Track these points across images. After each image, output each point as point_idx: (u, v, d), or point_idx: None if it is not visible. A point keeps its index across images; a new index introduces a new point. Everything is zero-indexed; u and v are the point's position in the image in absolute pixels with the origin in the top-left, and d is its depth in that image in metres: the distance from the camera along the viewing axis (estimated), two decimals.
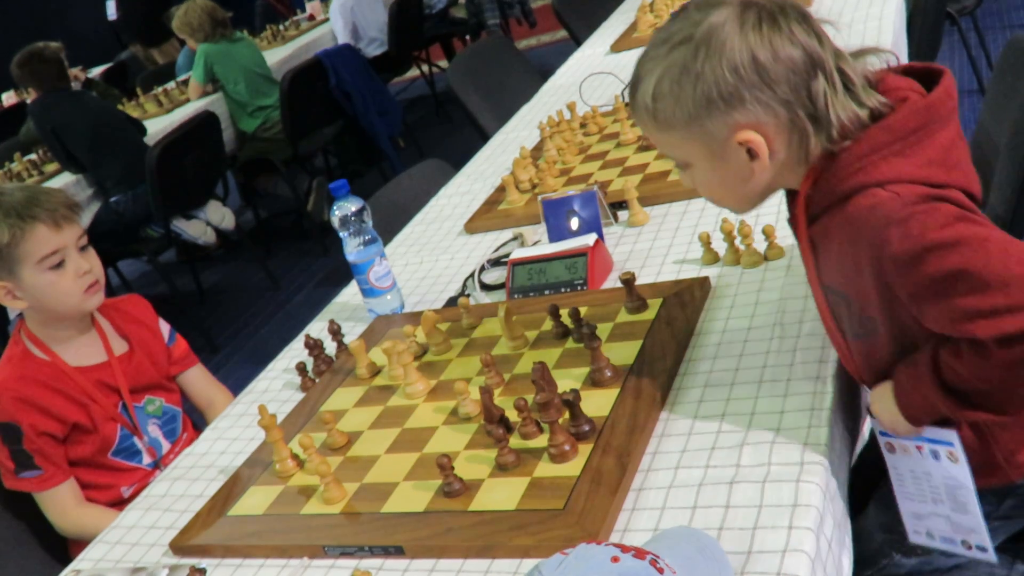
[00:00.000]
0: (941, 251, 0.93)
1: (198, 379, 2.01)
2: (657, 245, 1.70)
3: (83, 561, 1.37)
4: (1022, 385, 0.96)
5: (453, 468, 1.17)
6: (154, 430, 1.88)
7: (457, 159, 2.65)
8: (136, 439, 1.84)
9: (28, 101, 5.23)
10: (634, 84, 1.09)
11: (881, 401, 1.10)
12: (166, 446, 1.89)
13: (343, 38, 5.79)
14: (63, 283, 1.72)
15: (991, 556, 1.10)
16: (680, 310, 1.42)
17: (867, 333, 1.08)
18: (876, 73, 1.06)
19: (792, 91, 1.00)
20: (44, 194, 1.73)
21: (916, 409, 1.05)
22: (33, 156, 4.68)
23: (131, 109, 5.27)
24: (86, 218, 4.15)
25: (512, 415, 1.24)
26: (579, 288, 1.61)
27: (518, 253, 1.65)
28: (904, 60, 2.45)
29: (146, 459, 1.86)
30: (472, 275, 1.82)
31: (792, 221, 1.11)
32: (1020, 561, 1.30)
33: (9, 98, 7.01)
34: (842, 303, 1.09)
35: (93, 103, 4.38)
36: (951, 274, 0.93)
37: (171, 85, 5.70)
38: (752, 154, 1.04)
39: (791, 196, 1.11)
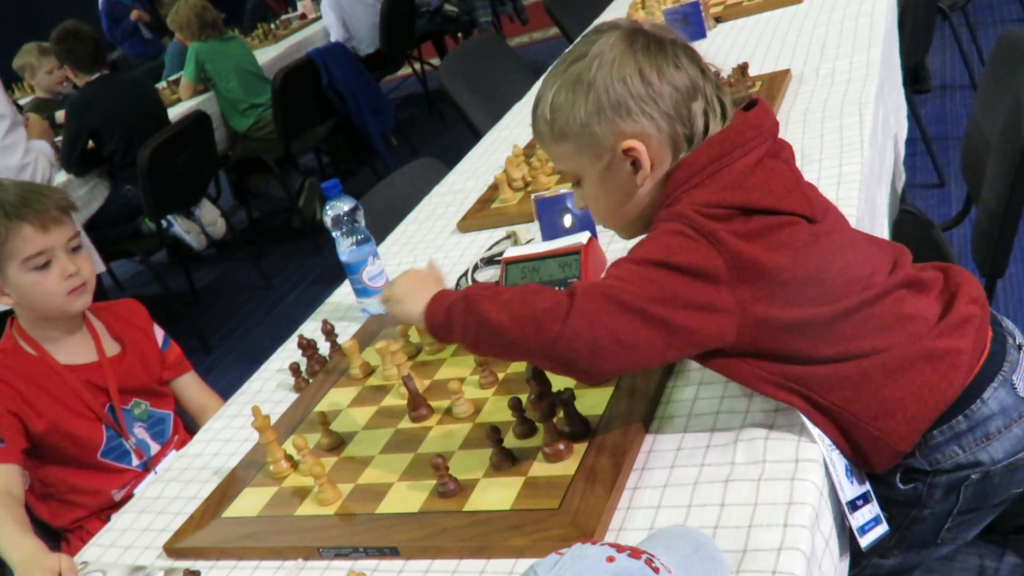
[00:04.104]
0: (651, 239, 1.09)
1: (191, 386, 2.01)
2: None
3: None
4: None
5: (447, 468, 1.17)
6: (140, 432, 1.87)
7: (450, 157, 2.65)
8: (123, 440, 1.84)
9: (33, 84, 5.21)
10: (536, 101, 1.19)
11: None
12: (154, 448, 1.89)
13: (336, 34, 5.76)
14: (47, 284, 1.72)
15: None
16: None
17: None
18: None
19: (674, 107, 1.09)
20: (38, 195, 1.73)
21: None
22: None
23: None
24: (87, 213, 4.13)
25: (506, 415, 1.24)
26: None
27: (511, 252, 1.64)
28: (896, 56, 2.46)
29: (135, 460, 1.85)
30: (465, 274, 1.81)
31: None
32: (1010, 551, 1.31)
33: None
34: None
35: (137, 87, 4.41)
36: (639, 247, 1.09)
37: (162, 85, 5.68)
38: (636, 166, 1.12)
39: None
